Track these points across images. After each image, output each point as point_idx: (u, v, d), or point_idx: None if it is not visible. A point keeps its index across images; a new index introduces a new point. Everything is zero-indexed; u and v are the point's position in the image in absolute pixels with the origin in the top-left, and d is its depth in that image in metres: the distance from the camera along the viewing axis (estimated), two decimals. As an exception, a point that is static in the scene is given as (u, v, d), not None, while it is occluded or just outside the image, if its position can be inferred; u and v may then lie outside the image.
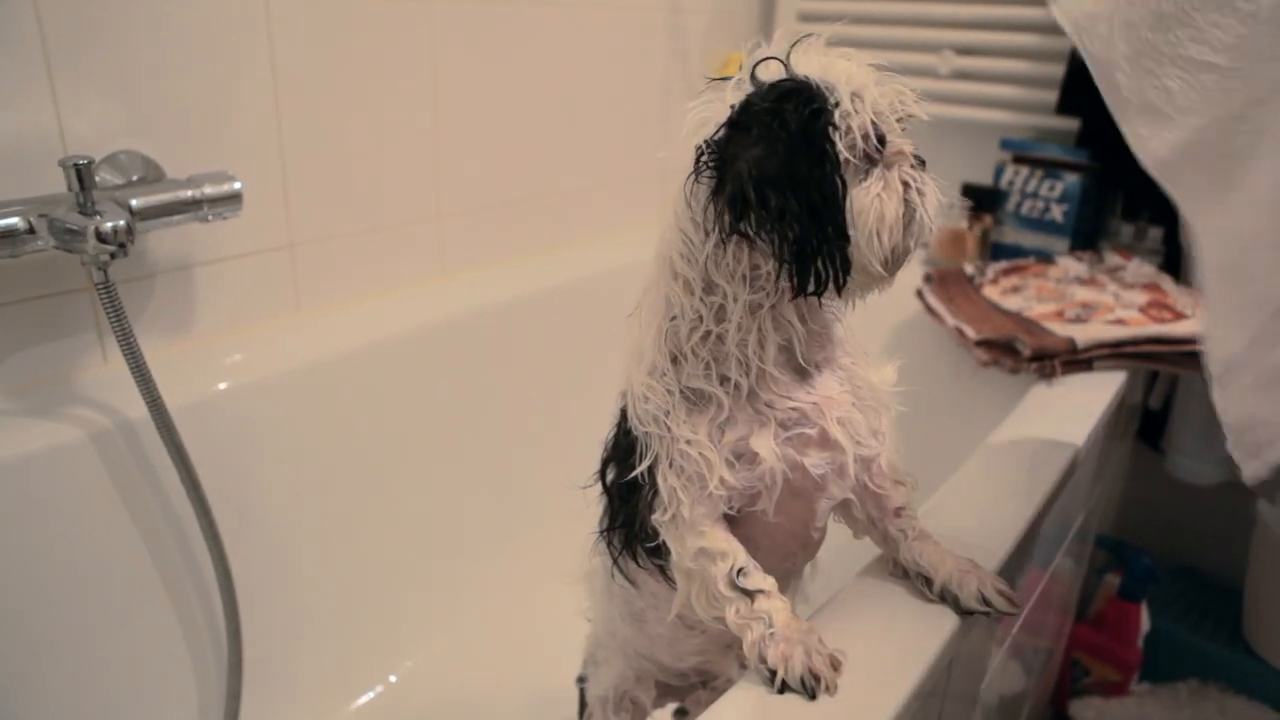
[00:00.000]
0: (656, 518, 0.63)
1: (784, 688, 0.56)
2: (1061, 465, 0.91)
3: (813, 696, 0.55)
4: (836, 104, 0.56)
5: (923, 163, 0.60)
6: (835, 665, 0.57)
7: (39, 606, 0.93)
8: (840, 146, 0.56)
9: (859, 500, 0.68)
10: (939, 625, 0.65)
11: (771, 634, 0.58)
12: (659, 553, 0.65)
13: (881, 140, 0.58)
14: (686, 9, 1.75)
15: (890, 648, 0.62)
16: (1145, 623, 1.57)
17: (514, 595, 1.45)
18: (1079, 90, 1.49)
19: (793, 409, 0.61)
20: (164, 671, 1.06)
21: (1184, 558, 1.75)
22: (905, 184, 0.58)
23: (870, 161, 0.58)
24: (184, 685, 1.08)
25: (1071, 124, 1.54)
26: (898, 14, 1.73)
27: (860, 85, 0.57)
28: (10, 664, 0.91)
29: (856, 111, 0.56)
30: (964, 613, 0.66)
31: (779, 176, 0.54)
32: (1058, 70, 1.52)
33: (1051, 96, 1.54)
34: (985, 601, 0.65)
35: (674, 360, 0.62)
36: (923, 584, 0.68)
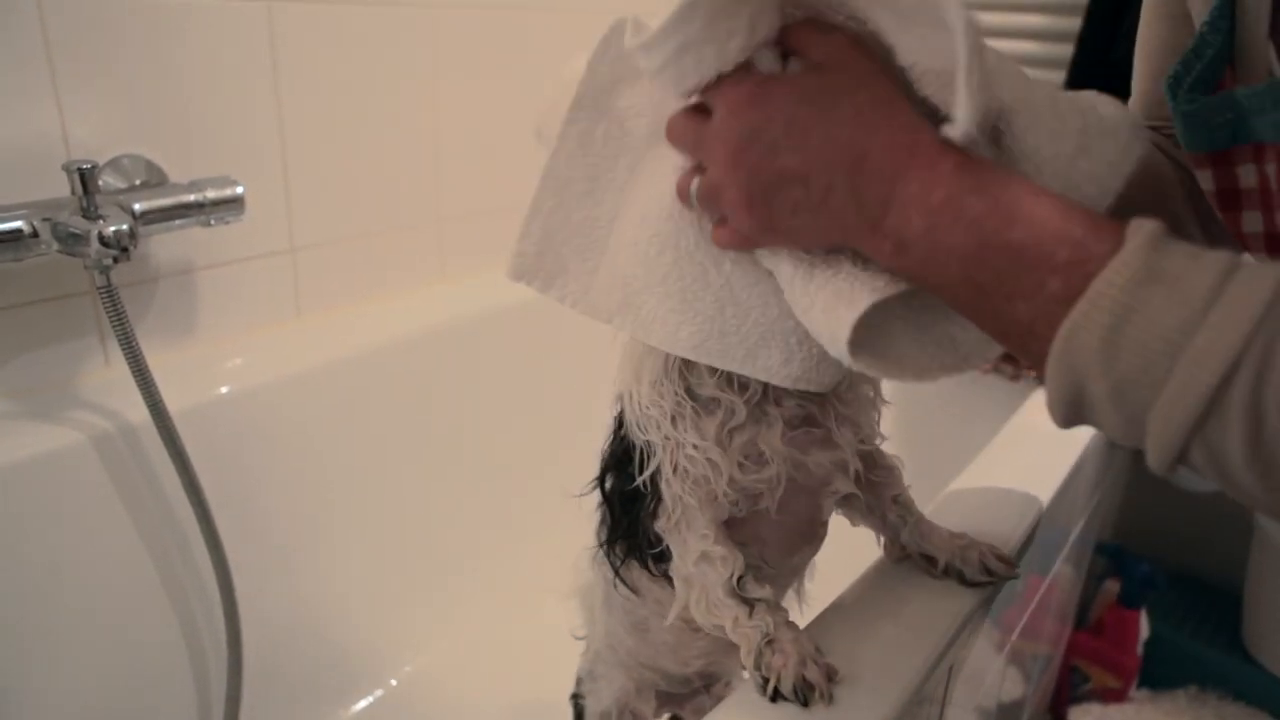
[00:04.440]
0: (660, 524, 0.62)
1: (777, 695, 0.56)
2: (1061, 472, 0.91)
3: (805, 704, 0.55)
4: None
5: None
6: (831, 675, 0.57)
7: (39, 610, 0.93)
8: None
9: (858, 491, 0.69)
10: (938, 630, 0.65)
11: (769, 642, 0.58)
12: (664, 558, 0.65)
13: None
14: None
15: (888, 653, 0.62)
16: (1145, 629, 1.58)
17: (515, 601, 1.45)
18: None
19: (798, 406, 0.61)
20: (164, 675, 1.06)
21: (1183, 564, 1.75)
22: None
23: None
24: (184, 689, 1.08)
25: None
26: (898, 21, 1.73)
27: None
28: (10, 667, 0.91)
29: None
30: (970, 585, 0.68)
31: None
32: (1058, 76, 1.53)
33: (1052, 103, 1.54)
34: (988, 571, 0.67)
35: (682, 367, 0.61)
36: (926, 564, 0.69)
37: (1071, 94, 0.50)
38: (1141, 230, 0.41)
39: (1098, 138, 0.48)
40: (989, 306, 0.45)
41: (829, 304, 0.50)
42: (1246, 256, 0.48)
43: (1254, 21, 0.54)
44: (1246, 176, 0.57)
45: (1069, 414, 0.44)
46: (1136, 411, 0.40)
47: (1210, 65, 0.56)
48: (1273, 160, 0.53)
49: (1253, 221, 0.59)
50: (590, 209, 0.63)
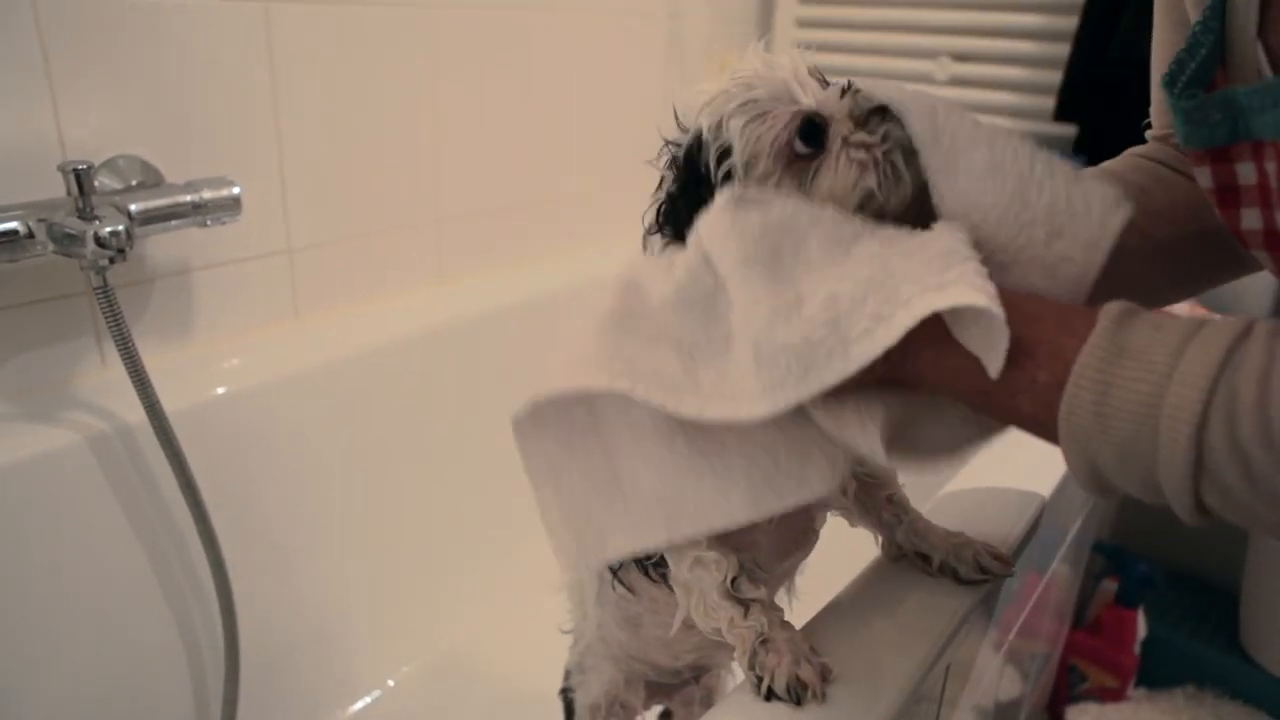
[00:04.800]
0: None
1: (770, 695, 0.56)
2: (1059, 470, 0.91)
3: (798, 704, 0.55)
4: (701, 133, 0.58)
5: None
6: (825, 675, 0.57)
7: (35, 612, 0.93)
8: (733, 164, 0.56)
9: (851, 492, 0.69)
10: (935, 630, 0.65)
11: (763, 642, 0.58)
12: (663, 563, 0.65)
13: (815, 132, 0.55)
14: (686, 15, 1.76)
15: (884, 653, 0.62)
16: (1142, 628, 1.58)
17: (513, 601, 1.45)
18: (1077, 97, 1.49)
19: None
20: (161, 677, 1.06)
21: (1181, 564, 1.75)
22: (865, 156, 0.54)
23: (804, 157, 0.55)
24: (181, 691, 1.08)
25: (1069, 131, 1.54)
26: (895, 20, 1.73)
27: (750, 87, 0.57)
28: (8, 667, 0.91)
29: (720, 133, 0.57)
30: (965, 583, 0.68)
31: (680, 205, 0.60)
32: (1055, 77, 1.53)
33: (1049, 103, 1.55)
34: (982, 569, 0.68)
35: None
36: (921, 562, 0.70)
37: (1049, 168, 0.52)
38: (1109, 313, 0.46)
39: (1069, 219, 0.51)
40: (999, 405, 0.50)
41: (858, 418, 0.52)
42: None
43: (1243, 21, 0.55)
44: (1245, 174, 0.58)
45: (1094, 486, 0.49)
46: (1146, 471, 0.44)
47: (1202, 64, 0.57)
48: (1272, 158, 0.54)
49: (1251, 219, 0.59)
50: (583, 462, 0.61)
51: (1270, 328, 0.42)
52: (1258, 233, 0.59)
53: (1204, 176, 0.61)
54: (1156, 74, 0.72)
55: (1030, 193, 0.51)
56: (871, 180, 0.54)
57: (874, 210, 0.55)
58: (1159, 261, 0.68)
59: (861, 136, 0.54)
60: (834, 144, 0.55)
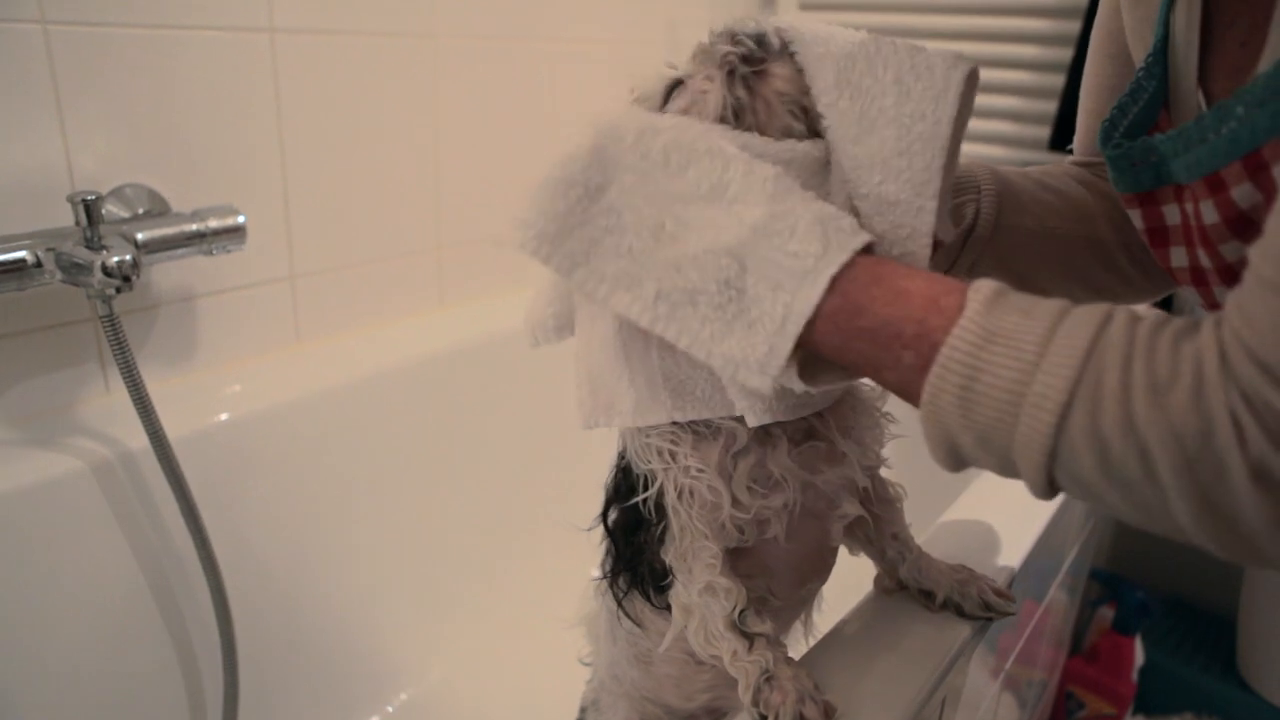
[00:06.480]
0: (667, 552, 0.62)
1: None
2: (1056, 498, 0.91)
3: None
4: None
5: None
6: (829, 712, 0.57)
7: (37, 636, 0.93)
8: None
9: (866, 514, 0.68)
10: (933, 662, 0.65)
11: (768, 679, 0.57)
12: (666, 590, 0.64)
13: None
14: (685, 44, 1.78)
15: (883, 685, 0.63)
16: (1139, 656, 1.58)
17: (513, 626, 1.45)
18: (1072, 128, 1.51)
19: (800, 419, 0.61)
20: (160, 701, 1.06)
21: (1178, 591, 1.76)
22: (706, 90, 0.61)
23: None
24: (180, 716, 1.08)
25: (1064, 160, 1.56)
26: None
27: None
28: (8, 693, 0.91)
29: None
30: (968, 618, 0.69)
31: None
32: (1051, 107, 1.55)
33: (1045, 133, 1.56)
34: (987, 607, 0.68)
35: None
36: (924, 599, 0.70)
37: (892, 47, 0.53)
38: (979, 294, 0.46)
39: (914, 79, 0.52)
40: (869, 373, 0.51)
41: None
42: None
43: (1185, 68, 0.57)
44: (1171, 215, 0.61)
45: (950, 463, 0.49)
46: (1003, 453, 0.45)
47: (1145, 109, 0.60)
48: (1190, 199, 0.56)
49: (1179, 257, 0.62)
50: (600, 325, 0.64)
51: (1129, 313, 0.43)
52: (1185, 270, 0.62)
53: (1136, 219, 0.64)
54: (1086, 102, 0.76)
55: (876, 62, 0.53)
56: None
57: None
58: (1042, 247, 0.71)
59: (704, 79, 0.61)
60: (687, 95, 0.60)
